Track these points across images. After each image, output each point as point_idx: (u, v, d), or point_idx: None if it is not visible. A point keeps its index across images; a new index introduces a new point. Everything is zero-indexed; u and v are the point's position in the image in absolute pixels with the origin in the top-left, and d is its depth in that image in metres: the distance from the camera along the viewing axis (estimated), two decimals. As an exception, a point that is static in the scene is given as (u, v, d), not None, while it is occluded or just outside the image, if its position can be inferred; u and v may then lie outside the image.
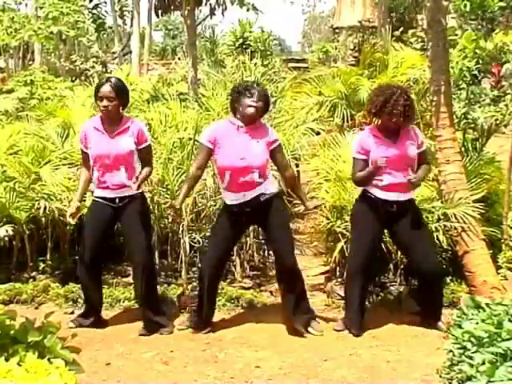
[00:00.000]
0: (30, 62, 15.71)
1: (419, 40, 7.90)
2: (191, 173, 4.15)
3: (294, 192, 4.39)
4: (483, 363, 2.30)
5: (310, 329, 4.18)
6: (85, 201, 4.51)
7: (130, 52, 16.81)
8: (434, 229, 4.62)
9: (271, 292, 4.96)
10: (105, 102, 4.00)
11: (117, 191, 4.10)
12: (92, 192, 4.34)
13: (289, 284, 4.19)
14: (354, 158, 4.19)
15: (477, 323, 2.59)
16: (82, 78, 14.28)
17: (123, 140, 4.06)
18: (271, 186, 4.12)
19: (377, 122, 4.24)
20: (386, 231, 4.37)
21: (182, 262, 4.95)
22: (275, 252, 4.31)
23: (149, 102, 7.09)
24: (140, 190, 4.12)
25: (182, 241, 4.95)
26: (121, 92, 4.07)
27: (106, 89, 4.01)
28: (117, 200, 4.11)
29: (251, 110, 3.98)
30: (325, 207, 4.96)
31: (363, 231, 4.17)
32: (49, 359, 2.09)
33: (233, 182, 4.00)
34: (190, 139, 5.32)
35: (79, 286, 4.51)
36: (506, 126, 5.63)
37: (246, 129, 4.03)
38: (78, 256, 4.47)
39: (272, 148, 4.06)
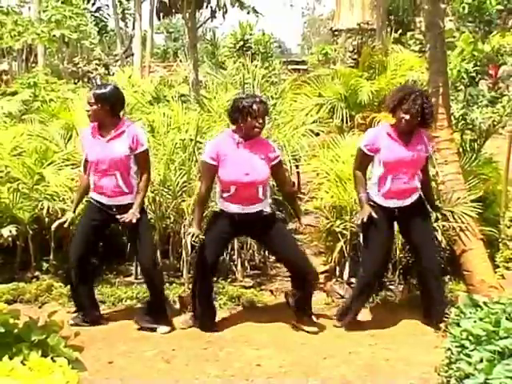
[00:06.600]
0: (33, 65, 15.71)
1: (417, 42, 7.93)
2: (201, 195, 4.13)
3: (291, 207, 4.48)
4: (481, 361, 2.34)
5: (307, 328, 4.23)
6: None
7: (132, 54, 16.82)
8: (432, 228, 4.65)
9: (272, 291, 5.00)
10: (87, 107, 4.08)
11: (113, 199, 4.12)
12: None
13: (305, 284, 4.23)
14: (360, 149, 4.14)
15: (475, 322, 2.61)
16: (85, 80, 14.31)
17: (118, 144, 4.05)
18: (268, 206, 4.17)
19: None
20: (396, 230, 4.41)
21: (183, 262, 5.00)
22: (289, 261, 4.27)
23: (151, 104, 7.13)
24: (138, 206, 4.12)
25: (183, 241, 4.99)
26: (101, 98, 4.02)
27: (88, 95, 4.10)
28: (114, 208, 4.13)
29: (256, 132, 4.02)
30: (324, 207, 5.01)
31: (373, 238, 4.19)
32: (52, 358, 2.12)
33: (237, 195, 4.03)
34: (192, 140, 5.36)
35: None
36: (503, 126, 5.66)
37: (246, 144, 4.03)
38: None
39: (273, 164, 4.08)
